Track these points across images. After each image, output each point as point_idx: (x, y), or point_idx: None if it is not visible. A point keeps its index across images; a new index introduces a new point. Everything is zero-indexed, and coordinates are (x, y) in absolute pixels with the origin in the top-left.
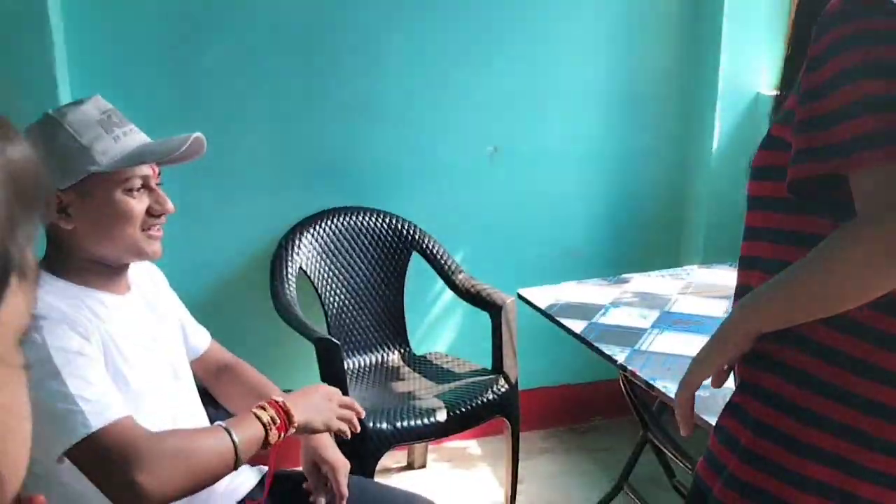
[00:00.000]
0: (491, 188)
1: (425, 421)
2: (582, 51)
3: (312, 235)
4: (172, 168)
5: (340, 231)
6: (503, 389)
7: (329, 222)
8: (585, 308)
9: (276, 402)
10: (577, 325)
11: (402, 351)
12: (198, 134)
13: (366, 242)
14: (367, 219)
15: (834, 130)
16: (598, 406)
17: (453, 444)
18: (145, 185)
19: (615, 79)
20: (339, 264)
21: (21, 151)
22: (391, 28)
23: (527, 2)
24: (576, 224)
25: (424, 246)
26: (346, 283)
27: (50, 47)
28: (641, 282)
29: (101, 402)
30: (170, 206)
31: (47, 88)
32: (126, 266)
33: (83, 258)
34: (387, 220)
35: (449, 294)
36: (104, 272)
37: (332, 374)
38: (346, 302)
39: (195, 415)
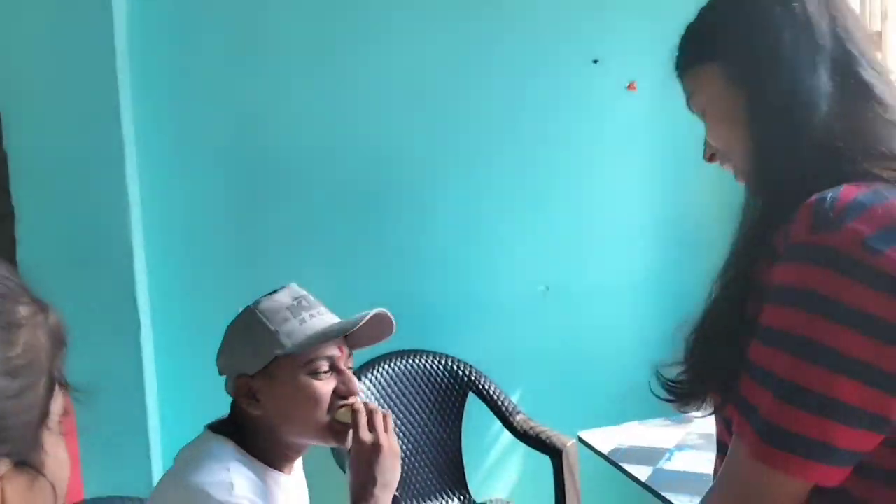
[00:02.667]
0: (545, 327)
1: None
2: (632, 182)
3: (369, 380)
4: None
5: (396, 374)
6: None
7: (385, 366)
8: (650, 452)
9: None
10: (643, 472)
11: (462, 497)
12: (379, 310)
13: (422, 385)
14: (422, 361)
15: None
16: None
17: None
18: (333, 367)
19: (668, 209)
20: (395, 408)
21: (55, 317)
22: (439, 185)
23: (573, 142)
24: (634, 360)
25: (481, 386)
26: (403, 427)
27: (126, 218)
28: (706, 423)
29: None
30: (356, 386)
31: (123, 247)
32: (306, 448)
33: (270, 440)
34: (442, 362)
35: (508, 436)
36: (286, 454)
37: None
38: (404, 447)
39: None
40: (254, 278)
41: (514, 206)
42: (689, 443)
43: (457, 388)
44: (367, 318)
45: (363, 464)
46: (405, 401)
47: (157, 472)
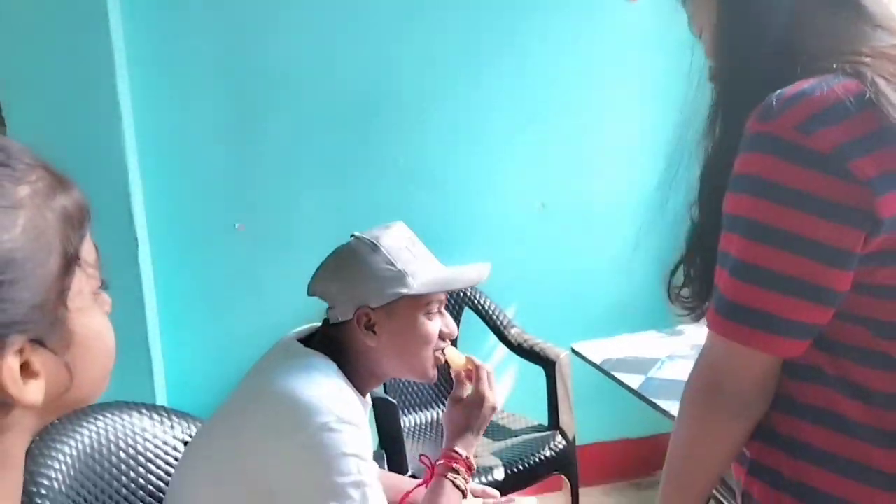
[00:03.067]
0: (541, 243)
1: (482, 479)
2: (632, 97)
3: None
4: (230, 233)
5: None
6: (560, 446)
7: None
8: (641, 362)
9: (462, 458)
10: (634, 380)
11: None
12: (489, 263)
13: None
14: None
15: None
16: (661, 460)
17: None
18: (439, 310)
19: (668, 124)
20: None
21: (70, 195)
22: (435, 99)
23: (572, 55)
24: (629, 275)
25: (476, 301)
26: None
27: (119, 134)
28: (697, 334)
29: None
30: (456, 330)
31: (117, 162)
32: (386, 380)
33: (368, 368)
34: None
35: (502, 349)
36: (371, 382)
37: (390, 432)
38: None
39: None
40: (248, 192)
41: (511, 122)
42: (680, 353)
43: (452, 303)
44: (487, 272)
45: (478, 414)
46: None
47: (160, 381)
